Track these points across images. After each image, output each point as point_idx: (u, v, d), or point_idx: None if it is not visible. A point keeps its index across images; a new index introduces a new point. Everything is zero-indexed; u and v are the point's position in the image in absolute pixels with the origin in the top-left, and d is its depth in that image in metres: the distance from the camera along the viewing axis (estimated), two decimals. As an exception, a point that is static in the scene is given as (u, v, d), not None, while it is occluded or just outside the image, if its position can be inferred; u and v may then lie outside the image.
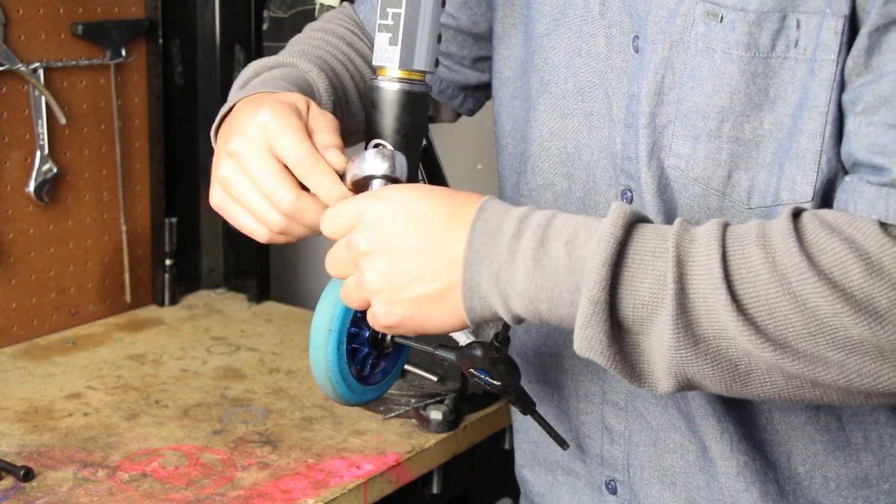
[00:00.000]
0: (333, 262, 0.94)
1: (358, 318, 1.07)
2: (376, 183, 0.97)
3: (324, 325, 1.04)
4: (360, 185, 0.98)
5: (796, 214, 0.85)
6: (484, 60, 1.26)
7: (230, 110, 1.05)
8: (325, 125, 1.00)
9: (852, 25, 0.87)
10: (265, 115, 0.97)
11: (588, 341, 0.85)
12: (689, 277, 0.83)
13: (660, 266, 0.84)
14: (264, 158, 0.96)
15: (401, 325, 0.92)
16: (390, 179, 0.98)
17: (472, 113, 1.34)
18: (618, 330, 0.86)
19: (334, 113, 1.16)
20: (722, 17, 0.92)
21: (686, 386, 0.87)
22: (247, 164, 0.96)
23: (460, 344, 1.08)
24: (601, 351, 0.85)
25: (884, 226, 0.82)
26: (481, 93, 1.30)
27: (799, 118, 0.90)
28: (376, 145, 1.03)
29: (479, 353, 1.04)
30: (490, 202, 0.91)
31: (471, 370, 1.06)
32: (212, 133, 1.07)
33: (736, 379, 0.85)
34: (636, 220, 0.87)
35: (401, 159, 0.99)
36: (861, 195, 0.85)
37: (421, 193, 0.92)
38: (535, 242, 0.87)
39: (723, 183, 0.95)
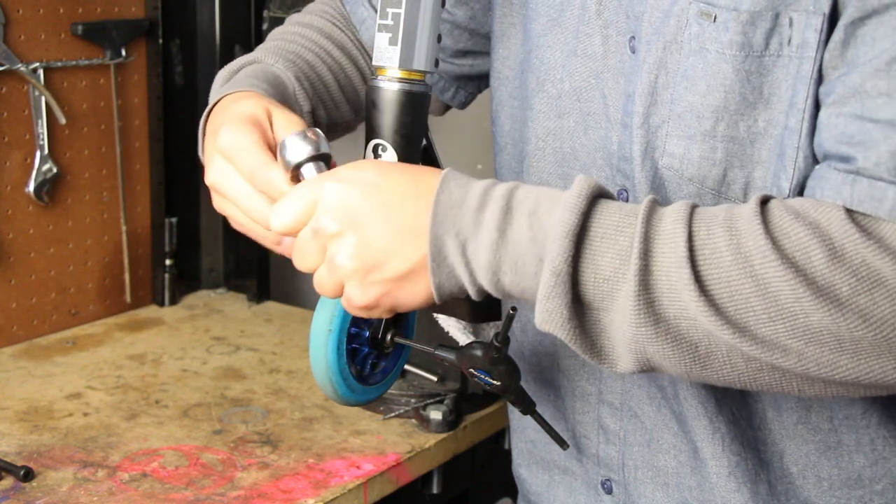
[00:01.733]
0: (301, 255, 0.91)
1: (358, 319, 1.07)
2: (308, 168, 0.95)
3: (324, 325, 1.04)
4: (296, 178, 0.95)
5: (764, 201, 0.85)
6: (477, 55, 1.26)
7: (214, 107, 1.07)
8: (293, 127, 1.00)
9: (832, 23, 0.87)
10: (221, 139, 0.98)
11: (549, 314, 0.85)
12: (653, 254, 0.83)
13: (623, 241, 0.84)
14: (235, 184, 0.97)
15: (378, 304, 0.91)
16: (320, 158, 0.95)
17: (463, 106, 1.33)
18: (579, 305, 0.85)
19: (313, 105, 1.16)
20: (715, 17, 0.92)
21: (646, 366, 0.86)
22: (225, 192, 0.98)
23: (460, 344, 1.08)
24: (562, 324, 0.85)
25: (850, 213, 0.82)
26: (473, 84, 1.30)
27: (788, 115, 0.90)
28: (375, 146, 1.03)
29: (479, 353, 1.04)
30: (452, 173, 0.89)
31: (471, 370, 1.06)
32: (199, 133, 1.09)
33: (696, 360, 0.85)
34: (600, 194, 0.86)
35: (321, 134, 0.96)
36: (827, 181, 0.84)
37: (378, 168, 0.91)
38: (500, 213, 0.86)
39: (718, 182, 0.94)
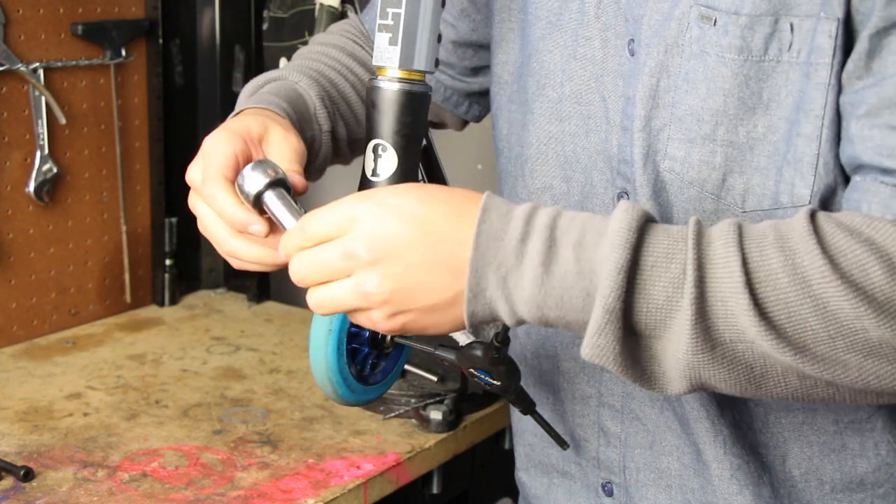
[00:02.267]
0: (318, 271, 0.88)
1: None
2: (269, 197, 0.95)
3: (324, 326, 1.04)
4: (260, 206, 0.96)
5: (812, 215, 0.84)
6: (486, 70, 1.26)
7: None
8: (284, 152, 1.01)
9: (847, 28, 0.86)
10: (206, 140, 1.00)
11: (600, 349, 0.83)
12: (708, 281, 0.82)
13: (675, 268, 0.82)
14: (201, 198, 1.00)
15: (403, 329, 0.89)
16: (276, 184, 0.96)
17: (479, 119, 1.34)
18: (629, 334, 0.84)
19: (333, 124, 1.17)
20: (715, 21, 0.92)
21: (698, 388, 0.86)
22: (195, 189, 1.01)
23: (460, 344, 1.08)
24: (613, 358, 0.83)
25: None
26: (487, 99, 1.31)
27: (796, 122, 0.90)
28: (375, 146, 1.03)
29: (479, 353, 1.04)
30: (491, 201, 0.87)
31: (471, 370, 1.06)
32: None
33: (751, 381, 0.84)
34: (646, 221, 0.85)
35: (276, 165, 0.97)
36: (875, 195, 0.84)
37: (419, 196, 0.88)
38: (544, 245, 0.84)
39: (717, 186, 0.94)
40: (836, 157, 0.89)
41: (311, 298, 0.90)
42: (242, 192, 0.95)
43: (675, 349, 0.83)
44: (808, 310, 0.80)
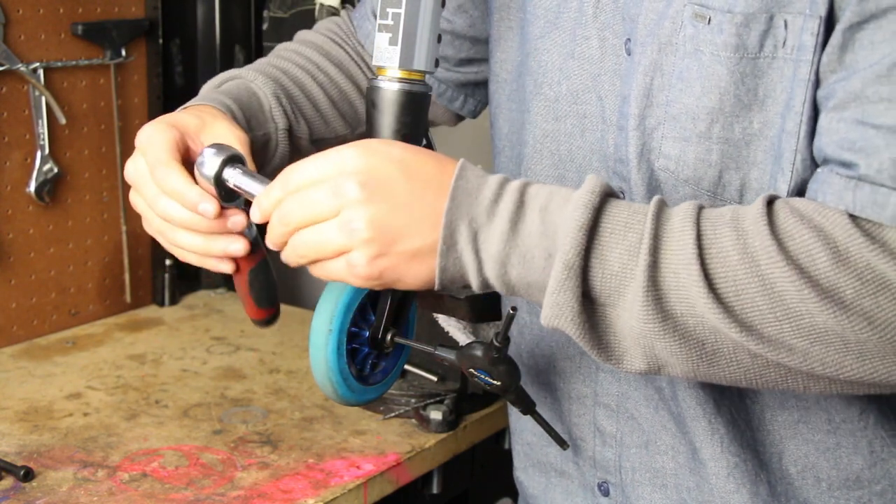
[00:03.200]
0: (308, 204, 0.89)
1: (358, 319, 1.07)
2: (230, 173, 0.98)
3: (324, 326, 1.04)
4: (223, 187, 0.99)
5: (770, 201, 0.86)
6: (481, 62, 1.26)
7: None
8: (228, 140, 1.03)
9: (829, 25, 0.87)
10: (140, 134, 1.03)
11: (559, 307, 0.85)
12: (662, 251, 0.84)
13: (631, 237, 0.85)
14: (143, 177, 1.03)
15: (380, 277, 0.90)
16: (236, 159, 1.00)
17: (474, 115, 1.34)
18: (587, 301, 0.86)
19: (291, 122, 1.19)
20: (710, 19, 0.92)
21: (654, 363, 0.87)
22: (135, 185, 1.04)
23: (460, 344, 1.08)
24: (572, 318, 0.85)
25: (853, 218, 0.82)
26: (481, 92, 1.31)
27: (785, 117, 0.90)
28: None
29: (479, 353, 1.04)
30: (468, 164, 0.91)
31: (471, 370, 1.06)
32: None
33: (703, 358, 0.85)
34: (609, 193, 0.88)
35: (224, 144, 1.01)
36: (830, 186, 0.85)
37: (405, 147, 0.91)
38: (513, 206, 0.87)
39: (713, 183, 0.95)
40: (812, 152, 0.90)
41: (294, 243, 0.91)
42: (202, 174, 0.97)
43: (629, 317, 0.85)
44: (756, 289, 0.82)
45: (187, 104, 1.12)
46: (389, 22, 1.00)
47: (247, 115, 1.13)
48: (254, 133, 1.13)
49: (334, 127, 1.26)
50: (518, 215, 0.87)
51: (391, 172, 0.89)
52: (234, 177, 0.99)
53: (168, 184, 0.99)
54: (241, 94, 1.15)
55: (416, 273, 0.90)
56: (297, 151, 1.22)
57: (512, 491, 1.36)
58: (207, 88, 1.18)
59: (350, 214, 0.88)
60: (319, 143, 1.24)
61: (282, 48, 1.28)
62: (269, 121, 1.17)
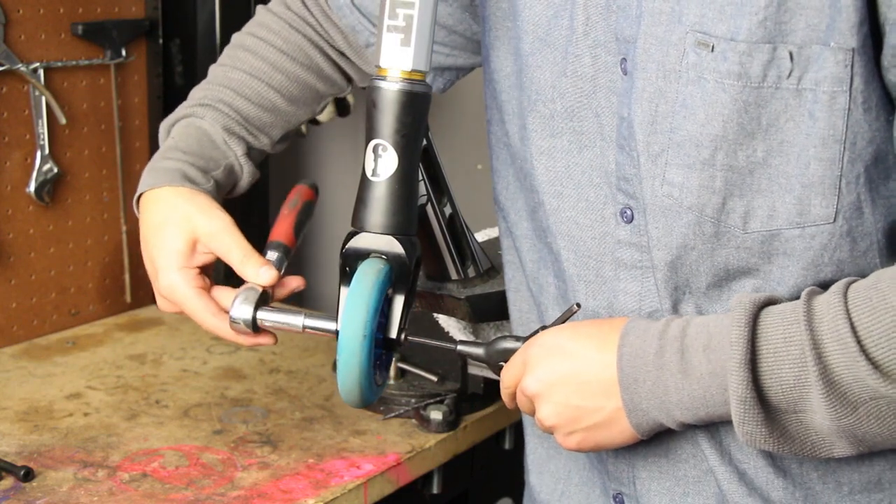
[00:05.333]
0: (520, 404, 1.06)
1: (378, 320, 1.05)
2: (263, 315, 1.12)
3: (358, 332, 1.01)
4: (257, 328, 1.13)
5: None
6: (453, 48, 1.25)
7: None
8: (229, 245, 1.15)
9: (861, 56, 0.88)
10: (161, 284, 1.16)
11: (750, 436, 0.92)
12: (827, 357, 0.88)
13: (794, 350, 0.89)
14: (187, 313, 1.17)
15: (579, 447, 1.02)
16: (260, 301, 1.13)
17: (442, 91, 1.33)
18: (777, 413, 0.92)
19: (248, 142, 1.27)
20: (713, 47, 0.92)
21: (863, 446, 0.92)
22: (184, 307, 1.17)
23: (456, 339, 1.08)
24: (764, 440, 0.93)
25: None
26: (451, 73, 1.30)
27: (809, 147, 0.91)
28: (375, 146, 1.03)
29: (510, 346, 1.05)
30: (632, 324, 0.98)
31: (500, 363, 1.06)
32: (133, 204, 1.24)
33: None
34: (759, 309, 0.92)
35: (246, 289, 1.14)
36: None
37: (570, 333, 1.02)
38: (677, 355, 0.95)
39: (717, 210, 0.95)
40: (858, 175, 0.92)
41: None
42: (237, 325, 1.12)
43: (822, 418, 0.90)
44: None
45: (150, 185, 1.20)
46: (401, 23, 1.00)
47: (204, 161, 1.22)
48: (214, 173, 1.22)
49: (298, 117, 1.31)
50: (684, 362, 0.94)
51: (556, 364, 1.01)
52: (266, 318, 1.13)
53: (221, 332, 1.15)
54: (192, 142, 1.22)
55: (611, 436, 1.01)
56: (264, 158, 1.32)
57: (512, 491, 1.36)
58: (164, 131, 1.27)
59: (538, 408, 1.03)
60: (283, 141, 1.32)
61: (237, 48, 1.32)
62: (225, 153, 1.24)
